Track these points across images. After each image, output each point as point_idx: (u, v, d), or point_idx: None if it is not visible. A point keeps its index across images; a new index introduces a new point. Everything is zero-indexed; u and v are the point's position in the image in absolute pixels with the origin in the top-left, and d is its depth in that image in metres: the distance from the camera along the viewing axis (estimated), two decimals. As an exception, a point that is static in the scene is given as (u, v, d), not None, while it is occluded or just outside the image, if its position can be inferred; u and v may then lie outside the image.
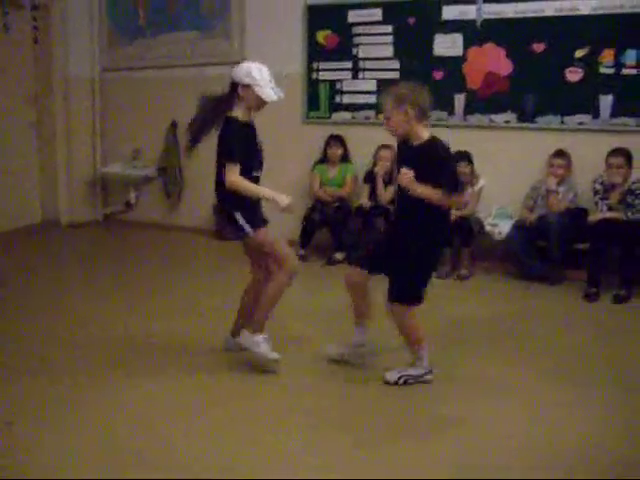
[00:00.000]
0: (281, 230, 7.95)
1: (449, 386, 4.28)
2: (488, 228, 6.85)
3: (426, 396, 4.14)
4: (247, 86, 4.32)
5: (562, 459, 3.42)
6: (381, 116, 7.49)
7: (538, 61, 6.87)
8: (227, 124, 4.39)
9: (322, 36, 7.84)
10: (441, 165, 4.01)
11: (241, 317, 4.73)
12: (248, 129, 4.44)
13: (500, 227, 6.77)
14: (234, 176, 4.28)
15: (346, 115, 7.84)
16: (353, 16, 7.66)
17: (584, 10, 6.65)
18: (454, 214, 6.84)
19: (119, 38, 9.23)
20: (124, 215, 9.53)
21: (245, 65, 4.41)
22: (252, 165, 4.44)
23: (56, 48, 8.93)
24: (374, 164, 7.35)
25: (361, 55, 7.68)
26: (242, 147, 4.34)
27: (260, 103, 4.39)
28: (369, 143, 7.41)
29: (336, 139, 7.60)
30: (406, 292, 4.15)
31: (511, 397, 4.14)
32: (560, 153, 6.72)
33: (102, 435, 3.62)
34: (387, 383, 4.24)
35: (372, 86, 7.63)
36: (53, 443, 3.54)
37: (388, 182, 7.21)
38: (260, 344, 4.43)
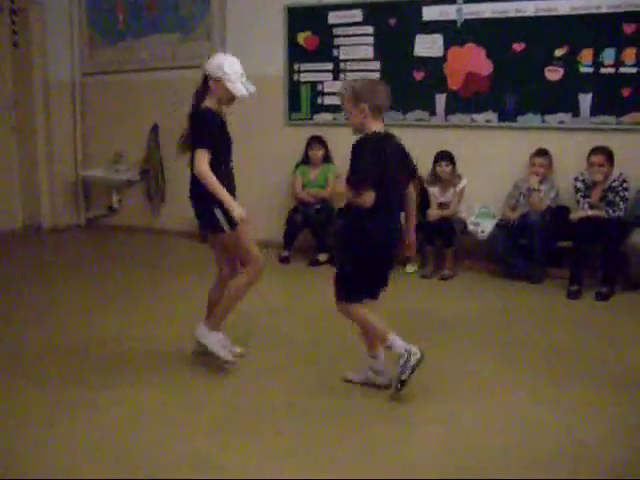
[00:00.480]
0: (264, 231, 8.03)
1: (434, 386, 4.29)
2: (471, 227, 6.87)
3: (414, 396, 4.14)
4: (218, 79, 4.29)
5: (543, 458, 3.44)
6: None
7: (518, 60, 6.89)
8: (200, 114, 4.35)
9: (302, 37, 7.84)
10: (351, 159, 4.07)
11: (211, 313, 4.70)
12: (220, 120, 4.41)
13: (483, 226, 6.79)
14: (204, 165, 4.22)
15: (327, 116, 7.84)
16: (333, 17, 7.66)
17: (563, 10, 6.68)
18: (436, 214, 6.89)
19: (99, 41, 9.20)
20: (107, 219, 9.49)
21: (217, 58, 4.39)
22: (228, 156, 4.43)
23: (36, 52, 8.89)
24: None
25: (342, 56, 7.68)
26: (217, 137, 4.33)
27: (230, 97, 4.37)
28: (350, 144, 7.38)
29: (317, 140, 7.60)
30: (338, 288, 4.17)
31: (496, 395, 4.14)
32: (541, 152, 6.75)
33: (91, 441, 3.62)
34: (398, 391, 4.12)
35: (353, 87, 7.63)
36: (41, 448, 3.54)
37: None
38: (215, 343, 4.46)
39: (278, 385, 4.31)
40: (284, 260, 7.39)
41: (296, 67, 7.92)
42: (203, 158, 4.23)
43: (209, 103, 4.36)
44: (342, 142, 7.48)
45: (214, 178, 4.24)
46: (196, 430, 3.72)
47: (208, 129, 4.30)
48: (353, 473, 3.30)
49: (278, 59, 7.95)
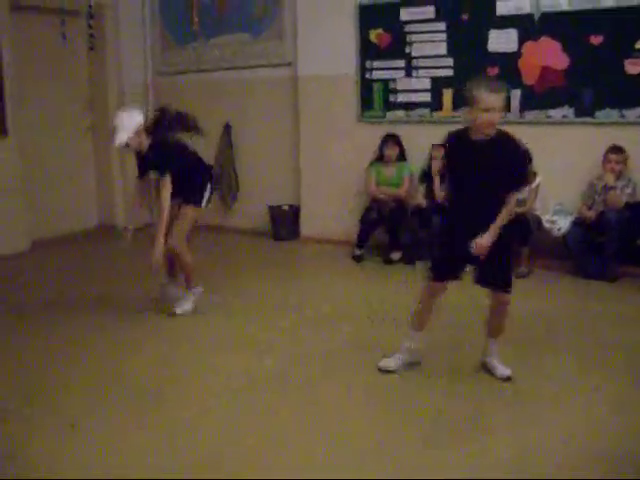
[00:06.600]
0: (337, 230, 8.02)
1: (510, 390, 4.23)
2: (547, 225, 6.75)
3: (488, 399, 4.10)
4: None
5: (625, 465, 3.38)
6: (437, 114, 7.51)
7: (596, 54, 6.74)
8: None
9: (374, 35, 7.79)
10: (518, 159, 4.25)
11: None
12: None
13: (559, 224, 6.66)
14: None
15: (400, 114, 7.78)
16: (406, 14, 7.60)
17: (644, 0, 6.52)
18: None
19: (172, 43, 9.32)
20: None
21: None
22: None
23: (110, 54, 9.08)
24: (430, 163, 7.29)
25: (414, 53, 7.62)
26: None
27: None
28: (423, 142, 7.36)
29: (392, 138, 7.54)
30: (510, 276, 4.31)
31: (574, 400, 4.09)
32: (616, 148, 6.58)
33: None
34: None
35: (426, 84, 7.57)
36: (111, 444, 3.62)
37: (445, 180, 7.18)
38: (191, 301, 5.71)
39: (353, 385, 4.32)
40: (357, 258, 7.37)
41: (368, 65, 7.88)
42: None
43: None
44: (415, 140, 7.55)
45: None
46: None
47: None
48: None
49: (350, 57, 7.91)
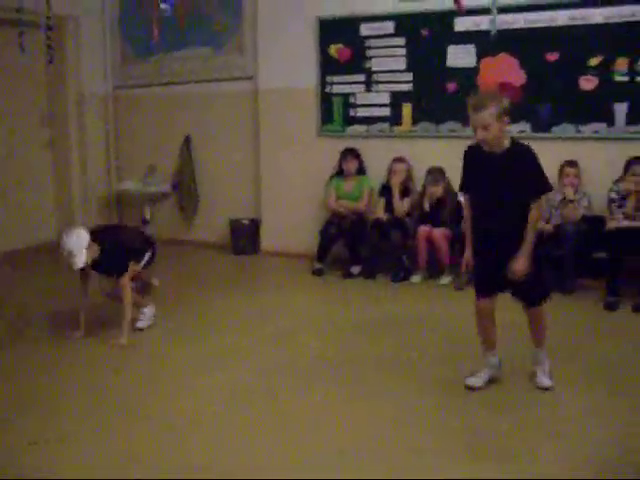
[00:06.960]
0: (297, 243, 8.03)
1: (493, 395, 4.27)
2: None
3: (476, 405, 4.12)
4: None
5: (597, 470, 3.41)
6: (397, 128, 7.55)
7: (552, 70, 6.85)
8: None
9: (334, 49, 7.83)
10: (534, 167, 4.13)
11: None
12: None
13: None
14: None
15: (360, 128, 7.83)
16: (365, 29, 7.66)
17: (597, 19, 6.63)
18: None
19: (132, 56, 9.29)
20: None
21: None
22: None
23: (70, 67, 9.01)
24: (389, 177, 7.33)
25: (374, 68, 7.68)
26: None
27: None
28: (383, 156, 7.41)
29: (351, 152, 7.58)
30: (542, 292, 4.38)
31: (544, 409, 4.14)
32: (571, 162, 6.69)
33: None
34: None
35: (386, 99, 7.63)
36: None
37: (404, 194, 7.23)
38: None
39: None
40: (318, 272, 7.37)
41: (328, 79, 7.92)
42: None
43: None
44: (375, 154, 7.59)
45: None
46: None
47: None
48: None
49: (310, 71, 7.95)
